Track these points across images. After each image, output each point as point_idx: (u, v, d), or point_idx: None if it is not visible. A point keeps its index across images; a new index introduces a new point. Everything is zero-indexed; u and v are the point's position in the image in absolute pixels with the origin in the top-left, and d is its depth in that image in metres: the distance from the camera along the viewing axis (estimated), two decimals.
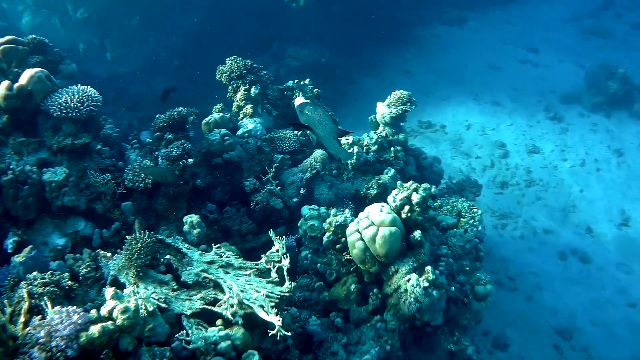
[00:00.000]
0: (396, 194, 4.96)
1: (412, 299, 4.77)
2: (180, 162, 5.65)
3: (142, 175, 5.54)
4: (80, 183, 5.69)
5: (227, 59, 7.59)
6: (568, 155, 12.44)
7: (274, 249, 4.71)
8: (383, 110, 7.45)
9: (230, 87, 7.59)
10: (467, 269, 5.95)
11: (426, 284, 4.71)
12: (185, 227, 5.31)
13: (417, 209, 4.79)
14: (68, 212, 5.63)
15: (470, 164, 12.11)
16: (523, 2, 20.72)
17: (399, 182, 5.18)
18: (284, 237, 5.36)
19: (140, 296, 3.94)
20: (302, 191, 6.44)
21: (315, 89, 8.01)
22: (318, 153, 6.58)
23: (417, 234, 4.81)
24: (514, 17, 19.56)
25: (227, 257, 4.72)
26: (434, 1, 18.76)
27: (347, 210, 5.43)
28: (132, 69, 14.31)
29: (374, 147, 7.12)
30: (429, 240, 5.11)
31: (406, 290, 4.79)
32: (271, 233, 4.92)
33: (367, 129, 7.78)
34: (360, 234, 4.71)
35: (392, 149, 7.21)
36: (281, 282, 4.53)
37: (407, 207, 4.78)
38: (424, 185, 4.93)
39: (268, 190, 6.28)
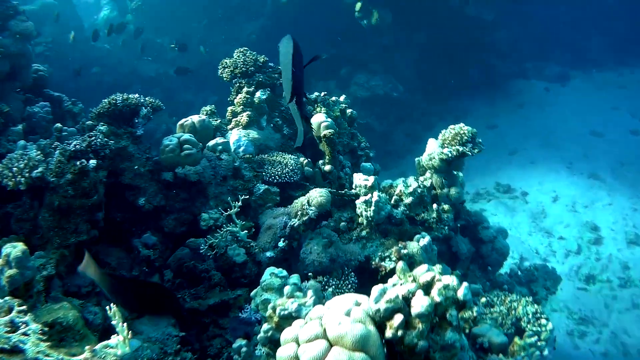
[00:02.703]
0: (390, 287, 2.54)
1: None
2: (77, 163, 3.55)
3: (16, 169, 3.48)
4: None
5: (236, 51, 5.54)
6: None
7: (112, 340, 2.39)
8: (433, 148, 5.10)
9: (232, 86, 5.51)
10: None
11: None
12: None
13: (420, 325, 2.34)
14: None
15: (551, 245, 9.31)
16: None
17: (402, 264, 2.72)
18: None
19: None
20: (281, 243, 4.18)
21: (349, 110, 5.78)
22: (316, 194, 4.28)
23: None
24: (628, 81, 16.39)
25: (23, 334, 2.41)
26: (537, 54, 16.12)
27: (309, 294, 3.04)
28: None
29: (408, 200, 4.75)
30: None
31: None
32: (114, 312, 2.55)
33: None
34: (297, 350, 2.33)
35: (435, 206, 4.82)
36: None
37: (397, 318, 2.33)
38: (449, 280, 2.49)
39: (230, 231, 4.07)
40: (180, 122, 4.79)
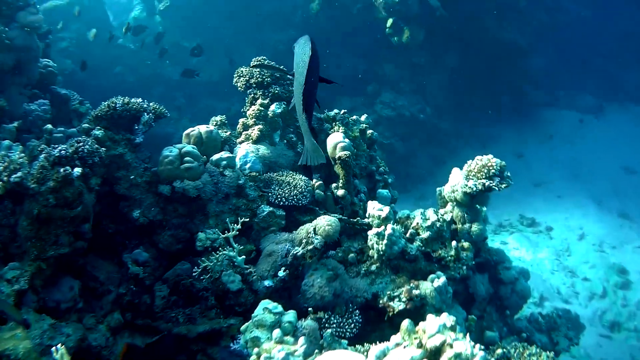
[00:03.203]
0: (392, 348, 2.10)
1: None
2: (61, 170, 3.21)
3: None
4: None
5: (253, 60, 5.20)
6: None
7: None
8: (456, 179, 4.68)
9: (247, 97, 5.16)
10: None
11: None
12: None
13: None
14: None
15: (574, 285, 8.75)
16: None
17: (408, 323, 2.28)
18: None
19: None
20: (281, 273, 3.79)
21: (370, 131, 5.39)
22: (324, 222, 3.89)
23: None
24: None
25: None
26: (570, 83, 15.52)
27: (301, 341, 2.63)
28: (209, 78, 12.43)
29: (425, 234, 4.32)
30: None
31: None
32: None
33: None
34: None
35: (454, 243, 4.39)
36: None
37: None
38: (463, 347, 2.05)
39: (226, 256, 3.70)
40: (186, 132, 4.45)
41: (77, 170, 3.25)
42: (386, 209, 4.07)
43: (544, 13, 13.28)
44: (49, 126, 3.73)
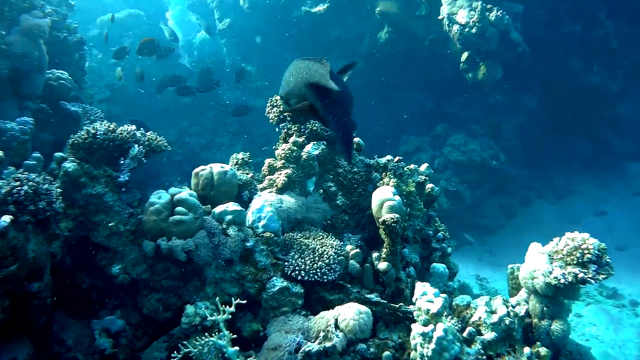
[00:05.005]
0: None
1: None
2: None
3: None
4: None
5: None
6: None
7: None
8: (539, 264, 3.48)
9: (281, 131, 4.16)
10: None
11: None
12: None
13: None
14: None
15: None
16: None
17: None
18: None
19: None
20: None
21: (430, 185, 4.26)
22: (351, 313, 2.81)
23: None
24: None
25: None
26: None
27: None
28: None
29: (489, 335, 3.15)
30: None
31: None
32: None
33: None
34: None
35: (527, 350, 3.18)
36: None
37: None
38: None
39: (214, 344, 2.68)
40: (195, 170, 3.51)
41: (5, 220, 2.33)
42: (438, 302, 2.92)
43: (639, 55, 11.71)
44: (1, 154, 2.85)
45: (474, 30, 8.56)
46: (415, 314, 3.02)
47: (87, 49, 6.21)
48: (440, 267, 3.86)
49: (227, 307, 2.69)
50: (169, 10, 13.19)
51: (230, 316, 2.71)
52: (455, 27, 8.71)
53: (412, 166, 4.31)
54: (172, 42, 9.40)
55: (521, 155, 11.61)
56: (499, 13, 8.49)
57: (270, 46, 11.79)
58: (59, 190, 2.68)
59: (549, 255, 3.54)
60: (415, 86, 11.22)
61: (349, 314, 2.77)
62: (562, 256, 3.40)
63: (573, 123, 11.61)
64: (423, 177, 4.27)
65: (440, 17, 9.03)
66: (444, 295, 3.12)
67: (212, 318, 2.72)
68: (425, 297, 3.05)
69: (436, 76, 10.69)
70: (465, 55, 9.03)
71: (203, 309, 2.92)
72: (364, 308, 2.86)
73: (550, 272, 3.35)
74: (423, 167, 4.43)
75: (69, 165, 2.91)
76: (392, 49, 10.43)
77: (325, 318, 2.85)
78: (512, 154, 11.28)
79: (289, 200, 3.59)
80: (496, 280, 8.99)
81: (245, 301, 2.80)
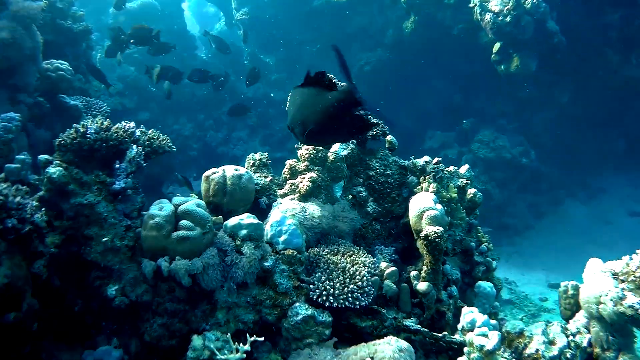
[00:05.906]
0: None
1: None
2: None
3: None
4: None
5: None
6: None
7: None
8: (605, 286, 2.92)
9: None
10: None
11: None
12: None
13: None
14: None
15: None
16: None
17: None
18: None
19: None
20: None
21: (472, 190, 3.72)
22: (390, 351, 2.28)
23: None
24: None
25: None
26: None
27: None
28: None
29: None
30: None
31: None
32: None
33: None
34: None
35: None
36: None
37: None
38: None
39: None
40: (206, 174, 3.00)
41: None
42: (494, 338, 2.37)
43: None
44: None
45: (508, 19, 7.93)
46: (465, 350, 2.49)
47: (94, 38, 5.74)
48: (487, 286, 3.31)
49: (241, 344, 2.20)
50: (185, 1, 12.67)
51: (244, 355, 2.22)
52: (488, 16, 8.08)
53: (451, 168, 3.77)
54: (219, 52, 8.59)
55: (552, 152, 10.93)
56: (535, 0, 7.85)
57: (290, 37, 11.26)
58: (34, 203, 2.20)
59: (614, 275, 2.99)
60: (442, 79, 10.60)
61: (388, 351, 2.25)
62: (635, 278, 2.85)
63: (608, 118, 10.90)
64: (464, 181, 3.73)
65: (471, 5, 8.40)
66: (494, 322, 2.59)
67: (223, 358, 2.22)
68: (477, 328, 2.51)
69: (464, 68, 10.06)
70: (497, 45, 8.40)
71: (213, 341, 2.43)
72: (404, 344, 2.34)
73: (621, 298, 2.80)
74: (463, 169, 3.89)
75: (54, 170, 2.42)
76: (418, 39, 9.83)
77: (359, 355, 2.33)
78: (542, 150, 10.62)
79: (313, 209, 3.07)
80: (525, 284, 8.39)
81: (262, 338, 2.31)
